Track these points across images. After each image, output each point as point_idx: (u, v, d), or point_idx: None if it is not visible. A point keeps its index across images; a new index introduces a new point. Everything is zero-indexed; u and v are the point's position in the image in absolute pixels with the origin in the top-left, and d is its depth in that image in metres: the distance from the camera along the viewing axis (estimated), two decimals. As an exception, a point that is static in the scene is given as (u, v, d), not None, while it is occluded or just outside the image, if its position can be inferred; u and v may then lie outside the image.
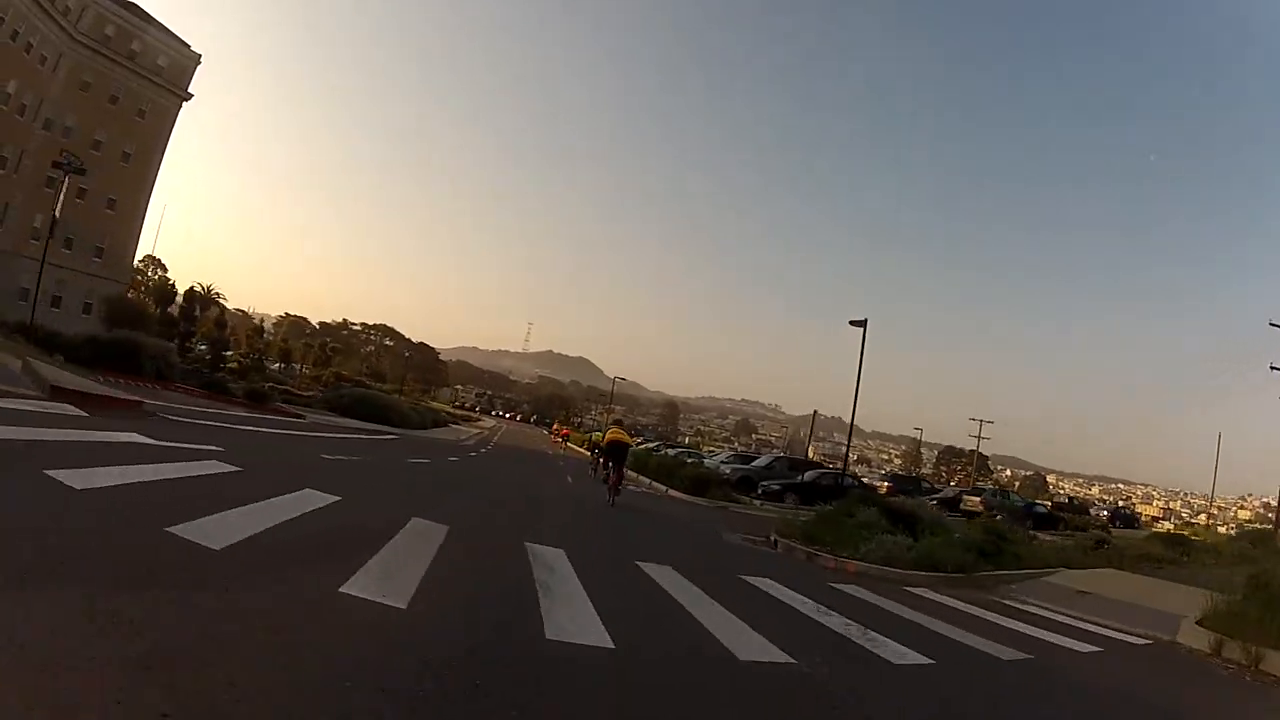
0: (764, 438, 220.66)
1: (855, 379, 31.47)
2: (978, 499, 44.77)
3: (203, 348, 64.93)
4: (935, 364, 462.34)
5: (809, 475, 34.88)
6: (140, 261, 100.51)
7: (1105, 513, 75.59)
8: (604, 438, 21.54)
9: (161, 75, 64.72)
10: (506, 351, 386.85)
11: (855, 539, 14.87)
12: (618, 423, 21.53)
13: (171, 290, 66.45)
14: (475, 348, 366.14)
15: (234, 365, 62.54)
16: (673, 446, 56.24)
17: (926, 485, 60.64)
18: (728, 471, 34.06)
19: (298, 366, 73.13)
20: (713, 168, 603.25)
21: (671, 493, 29.49)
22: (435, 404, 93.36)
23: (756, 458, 45.93)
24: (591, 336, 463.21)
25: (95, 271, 61.60)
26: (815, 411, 33.13)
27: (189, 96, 66.97)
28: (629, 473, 36.85)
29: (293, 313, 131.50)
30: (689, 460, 36.97)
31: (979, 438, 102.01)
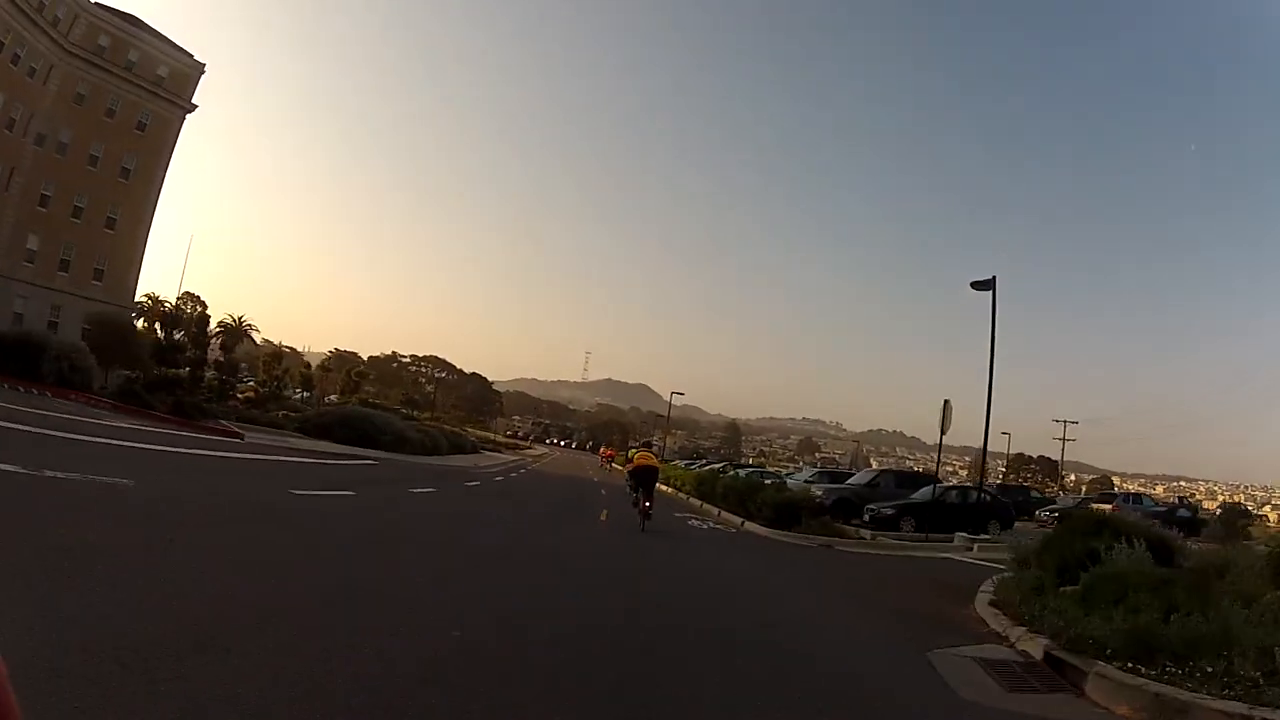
0: (828, 455, 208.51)
1: (989, 351, 22.04)
2: (1109, 507, 34.82)
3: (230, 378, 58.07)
4: (997, 370, 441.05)
5: (930, 492, 25.16)
6: (179, 298, 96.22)
7: (1218, 511, 64.67)
8: (633, 461, 19.36)
9: (162, 86, 58.89)
10: (565, 381, 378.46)
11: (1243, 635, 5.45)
12: (646, 445, 20.58)
13: (204, 321, 59.56)
14: (534, 379, 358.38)
15: (250, 394, 55.31)
16: (739, 466, 46.65)
17: (1037, 494, 50.44)
18: (819, 494, 24.35)
19: (322, 395, 66.06)
20: (753, 183, 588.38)
21: (749, 526, 20.20)
22: (483, 433, 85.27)
23: (848, 473, 36.08)
24: (650, 363, 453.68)
25: (95, 295, 55.33)
26: (946, 402, 22.22)
27: (193, 108, 60.94)
28: (695, 501, 28.50)
29: (342, 348, 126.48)
30: (766, 481, 27.50)
31: (1064, 440, 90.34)
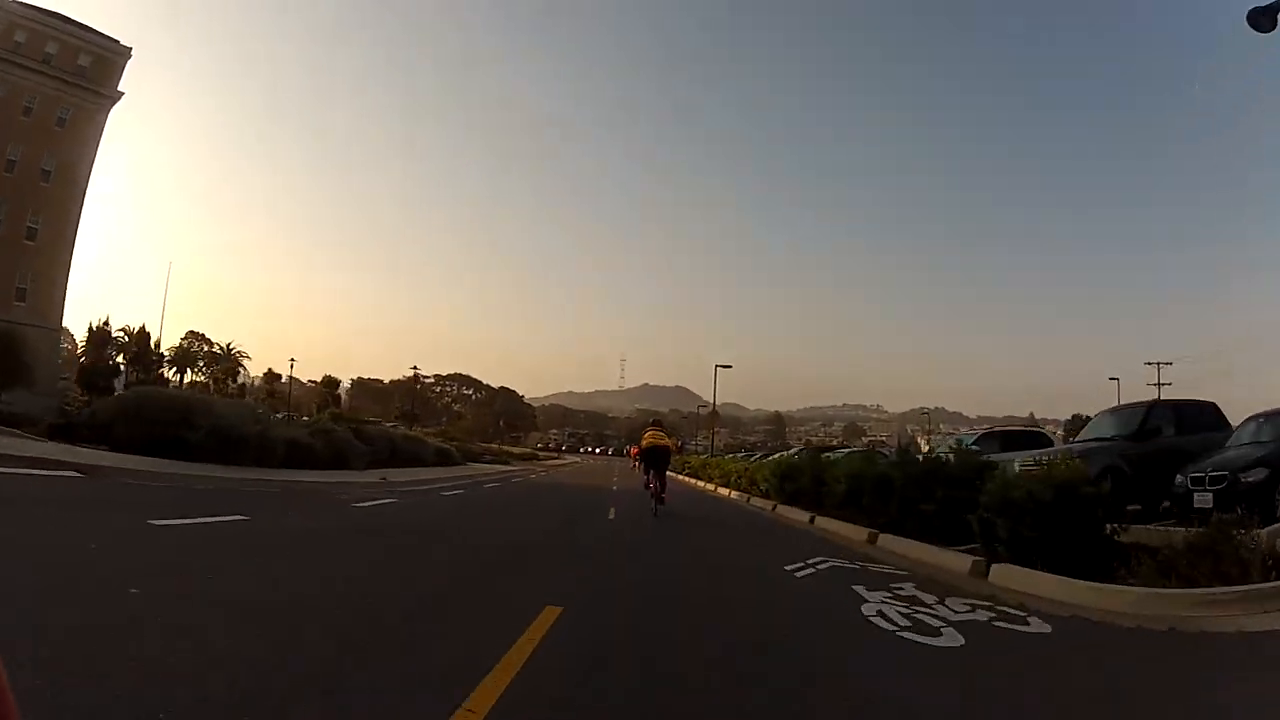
0: (874, 439, 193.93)
1: None
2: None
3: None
4: (1034, 338, 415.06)
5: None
6: (183, 338, 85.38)
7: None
8: (641, 443, 17.11)
9: (84, 76, 48.79)
10: (603, 391, 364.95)
11: None
12: (656, 424, 16.72)
13: (144, 339, 48.18)
14: (571, 391, 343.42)
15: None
16: (827, 449, 31.98)
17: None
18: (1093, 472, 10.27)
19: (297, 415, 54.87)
20: (735, 171, 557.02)
21: (1006, 578, 6.69)
22: (499, 446, 72.98)
23: (1031, 432, 21.44)
24: (685, 365, 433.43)
25: (19, 319, 44.46)
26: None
27: (118, 96, 50.77)
28: (797, 516, 15.09)
29: (366, 377, 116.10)
30: (942, 457, 13.63)
31: (1159, 385, 70.99)
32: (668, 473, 16.43)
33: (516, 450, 66.35)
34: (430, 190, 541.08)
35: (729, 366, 44.02)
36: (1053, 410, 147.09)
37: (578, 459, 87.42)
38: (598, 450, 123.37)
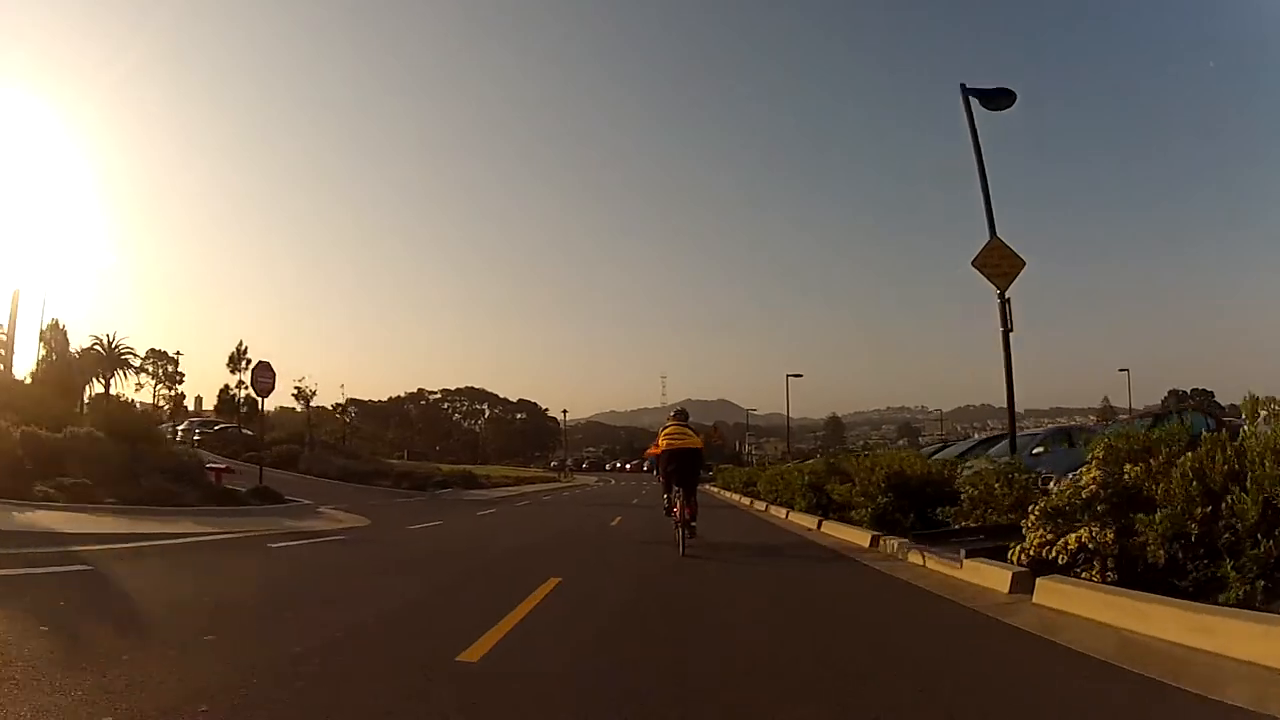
0: (929, 438, 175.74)
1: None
2: None
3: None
4: (1074, 326, 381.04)
5: None
6: (144, 357, 72.19)
7: None
8: (658, 445, 10.44)
9: None
10: (646, 409, 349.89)
11: None
12: (679, 416, 10.94)
13: None
14: (613, 410, 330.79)
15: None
16: (986, 443, 15.17)
17: None
18: None
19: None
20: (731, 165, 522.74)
21: None
22: (479, 468, 56.80)
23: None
24: (726, 377, 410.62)
25: None
26: None
27: None
28: None
29: (369, 397, 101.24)
30: None
31: None
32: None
33: (447, 468, 44.07)
34: (494, 230, 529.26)
35: (800, 375, 28.68)
36: (1129, 399, 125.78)
37: (591, 480, 69.33)
38: (628, 466, 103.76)
